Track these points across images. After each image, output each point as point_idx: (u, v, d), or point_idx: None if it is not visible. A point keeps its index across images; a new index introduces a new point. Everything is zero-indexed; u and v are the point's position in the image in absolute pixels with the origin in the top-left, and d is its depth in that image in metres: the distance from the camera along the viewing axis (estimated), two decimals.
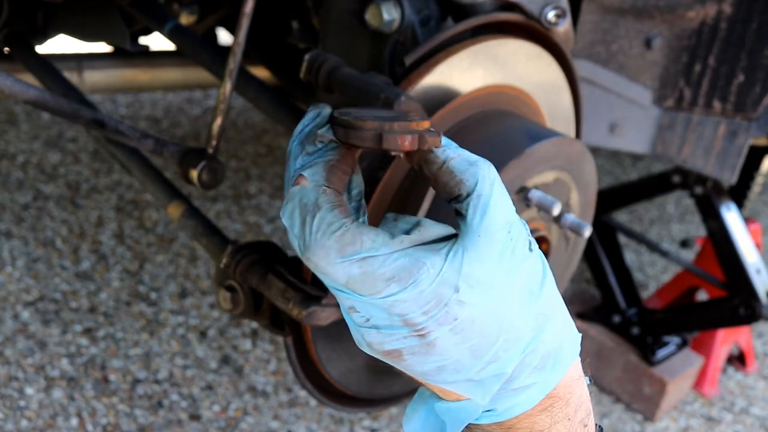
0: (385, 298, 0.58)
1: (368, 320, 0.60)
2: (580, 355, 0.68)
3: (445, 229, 0.61)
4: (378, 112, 0.68)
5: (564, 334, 0.64)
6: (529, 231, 0.63)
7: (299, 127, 0.67)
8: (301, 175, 0.62)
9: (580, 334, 0.67)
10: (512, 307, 0.59)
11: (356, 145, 0.62)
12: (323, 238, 0.58)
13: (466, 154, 0.63)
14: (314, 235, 0.59)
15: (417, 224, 0.61)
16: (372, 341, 0.61)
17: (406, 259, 0.58)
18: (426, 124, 0.64)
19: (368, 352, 0.63)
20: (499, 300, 0.59)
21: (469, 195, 0.60)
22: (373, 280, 0.58)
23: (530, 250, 0.61)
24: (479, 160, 0.62)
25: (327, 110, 0.68)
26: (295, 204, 0.61)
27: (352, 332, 0.64)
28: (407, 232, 0.60)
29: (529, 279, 0.61)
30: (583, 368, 0.71)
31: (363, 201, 0.67)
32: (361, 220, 0.65)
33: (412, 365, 0.61)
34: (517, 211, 0.63)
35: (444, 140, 0.64)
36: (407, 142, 0.60)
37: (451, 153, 0.63)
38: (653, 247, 2.55)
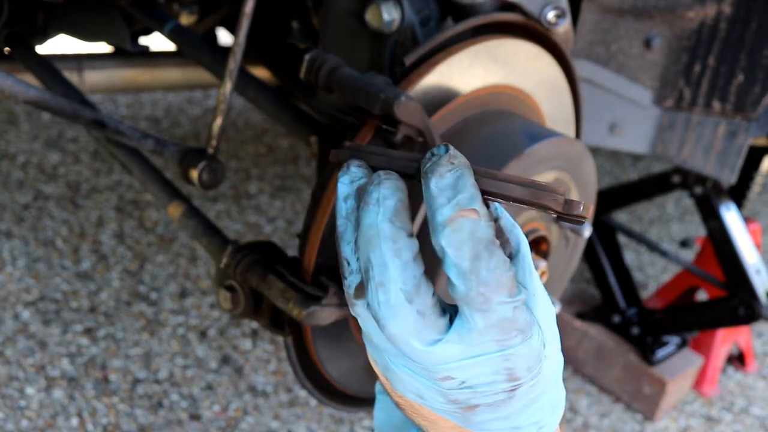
0: (504, 351, 0.58)
1: (463, 382, 0.59)
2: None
3: None
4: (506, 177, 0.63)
5: (562, 383, 0.67)
6: None
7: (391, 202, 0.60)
8: (473, 209, 0.58)
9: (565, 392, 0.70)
10: (554, 361, 0.63)
11: (545, 207, 0.60)
12: (502, 275, 0.56)
13: (507, 214, 0.66)
14: (493, 271, 0.56)
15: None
16: (460, 398, 0.60)
17: (525, 311, 0.58)
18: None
19: (438, 406, 0.62)
20: (550, 355, 0.62)
21: (512, 255, 0.63)
22: (511, 327, 0.57)
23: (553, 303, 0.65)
24: (516, 223, 0.65)
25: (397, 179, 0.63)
26: (465, 236, 0.57)
27: (424, 394, 0.62)
28: None
29: (556, 333, 0.64)
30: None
31: None
32: None
33: (472, 417, 0.61)
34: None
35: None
36: (589, 211, 0.63)
37: (501, 211, 0.65)
38: (653, 247, 2.55)
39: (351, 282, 0.61)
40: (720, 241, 2.25)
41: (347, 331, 1.14)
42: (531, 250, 1.16)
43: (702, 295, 2.67)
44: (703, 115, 1.61)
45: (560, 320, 2.47)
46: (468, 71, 1.09)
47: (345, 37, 1.16)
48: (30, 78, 1.49)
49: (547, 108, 1.25)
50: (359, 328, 0.69)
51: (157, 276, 2.50)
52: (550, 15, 1.17)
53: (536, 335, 0.59)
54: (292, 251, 1.19)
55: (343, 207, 0.62)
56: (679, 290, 2.60)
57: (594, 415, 2.33)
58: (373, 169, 0.64)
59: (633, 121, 1.64)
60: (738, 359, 2.70)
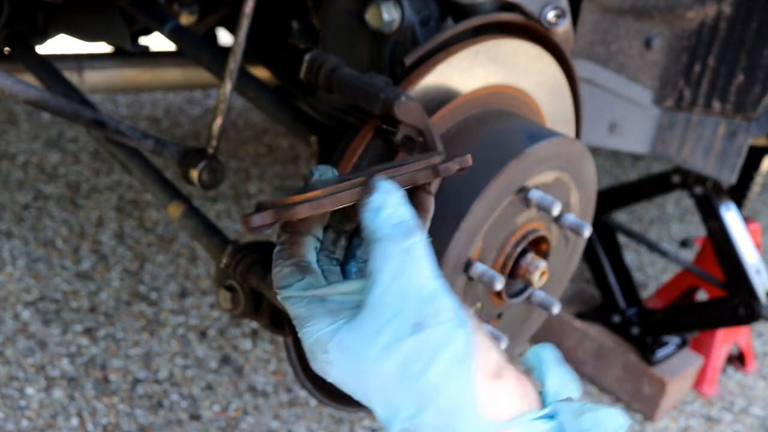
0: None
1: None
2: None
3: (355, 288, 0.67)
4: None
5: (458, 421, 0.63)
6: (436, 309, 0.63)
7: None
8: None
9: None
10: (385, 379, 0.62)
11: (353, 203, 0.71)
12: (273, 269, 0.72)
13: (378, 224, 0.64)
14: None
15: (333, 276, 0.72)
16: None
17: (304, 308, 0.67)
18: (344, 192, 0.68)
19: None
20: (369, 370, 0.62)
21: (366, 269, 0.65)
22: (288, 313, 0.69)
23: (414, 333, 0.61)
24: (387, 236, 0.63)
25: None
26: None
27: None
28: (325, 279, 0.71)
29: (409, 359, 0.62)
30: None
31: (341, 247, 0.77)
32: (322, 266, 0.75)
33: None
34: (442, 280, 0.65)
35: (376, 200, 0.65)
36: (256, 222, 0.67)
37: (366, 221, 0.65)
38: (653, 247, 2.55)
39: None
40: (720, 241, 2.25)
41: None
42: (529, 251, 1.16)
43: (702, 295, 2.67)
44: (703, 115, 1.61)
45: (560, 320, 2.48)
46: (468, 71, 1.09)
47: (345, 37, 1.16)
48: (30, 78, 1.49)
49: (547, 108, 1.25)
50: None
51: (157, 276, 2.50)
52: (550, 15, 1.17)
53: (308, 334, 0.66)
54: None
55: None
56: (679, 290, 2.60)
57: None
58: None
59: (633, 121, 1.64)
60: (738, 359, 2.70)
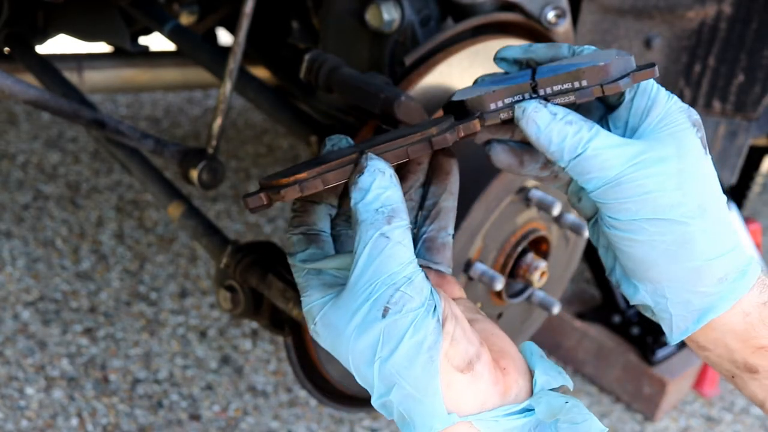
0: None
1: None
2: None
3: (346, 264, 0.68)
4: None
5: (416, 407, 0.64)
6: (407, 296, 0.64)
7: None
8: None
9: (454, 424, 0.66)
10: (359, 357, 0.65)
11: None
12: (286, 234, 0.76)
13: (362, 206, 0.65)
14: None
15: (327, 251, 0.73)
16: None
17: (302, 278, 0.70)
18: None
19: None
20: (346, 347, 0.65)
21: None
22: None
23: (383, 317, 0.63)
24: (367, 220, 0.65)
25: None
26: None
27: None
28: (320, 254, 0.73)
29: (378, 342, 0.64)
30: None
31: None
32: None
33: None
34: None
35: (363, 181, 0.66)
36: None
37: (352, 202, 0.66)
38: None
39: None
40: None
41: None
42: (529, 251, 1.16)
43: None
44: (703, 115, 1.61)
45: (560, 320, 2.48)
46: (468, 71, 1.09)
47: (345, 37, 1.16)
48: (30, 78, 1.49)
49: None
50: None
51: (157, 276, 2.50)
52: (551, 15, 1.17)
53: (304, 302, 0.69)
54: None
55: None
56: None
57: (594, 415, 2.32)
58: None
59: None
60: None
